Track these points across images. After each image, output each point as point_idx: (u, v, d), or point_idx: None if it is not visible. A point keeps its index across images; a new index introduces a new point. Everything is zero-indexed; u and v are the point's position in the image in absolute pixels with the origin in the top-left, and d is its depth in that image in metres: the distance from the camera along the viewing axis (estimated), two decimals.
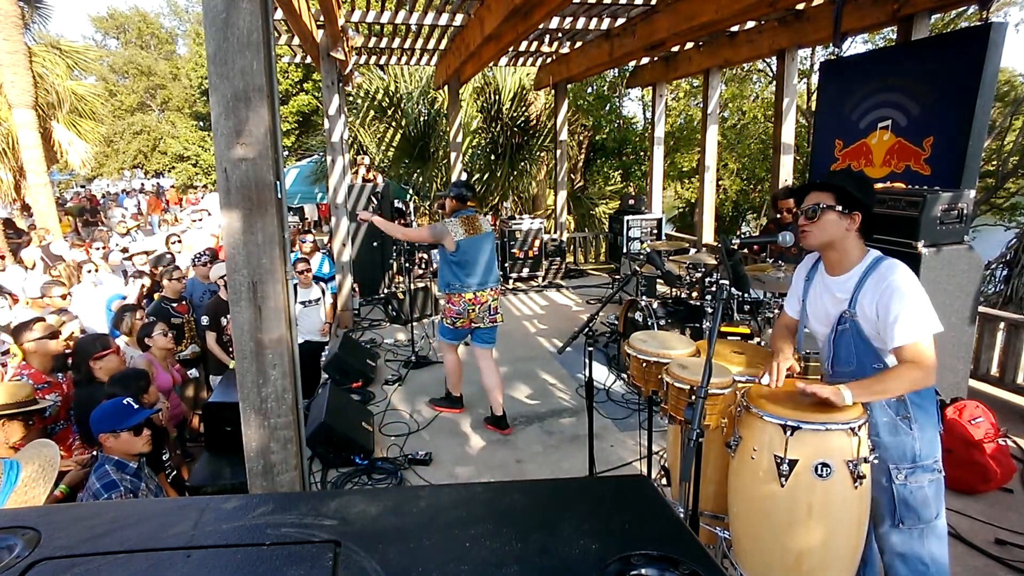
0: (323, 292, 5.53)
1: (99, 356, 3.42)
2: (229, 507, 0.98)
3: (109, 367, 3.43)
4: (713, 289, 4.14)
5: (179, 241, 7.47)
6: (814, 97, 11.49)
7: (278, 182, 2.08)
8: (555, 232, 9.67)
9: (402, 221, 8.49)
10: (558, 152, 9.75)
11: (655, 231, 8.34)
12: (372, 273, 7.76)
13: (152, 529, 0.93)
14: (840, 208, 1.94)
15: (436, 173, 12.17)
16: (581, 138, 14.81)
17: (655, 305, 4.42)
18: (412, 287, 6.07)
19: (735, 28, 6.32)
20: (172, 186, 24.31)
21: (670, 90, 14.33)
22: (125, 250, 7.35)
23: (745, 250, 4.48)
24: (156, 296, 5.07)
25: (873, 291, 1.91)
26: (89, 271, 5.45)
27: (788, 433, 1.93)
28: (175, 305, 4.86)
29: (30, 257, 7.18)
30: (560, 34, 7.44)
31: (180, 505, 1.12)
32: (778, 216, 4.64)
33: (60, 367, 3.62)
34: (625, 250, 8.18)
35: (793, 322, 2.27)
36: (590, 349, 2.82)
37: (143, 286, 5.31)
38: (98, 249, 6.54)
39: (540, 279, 8.68)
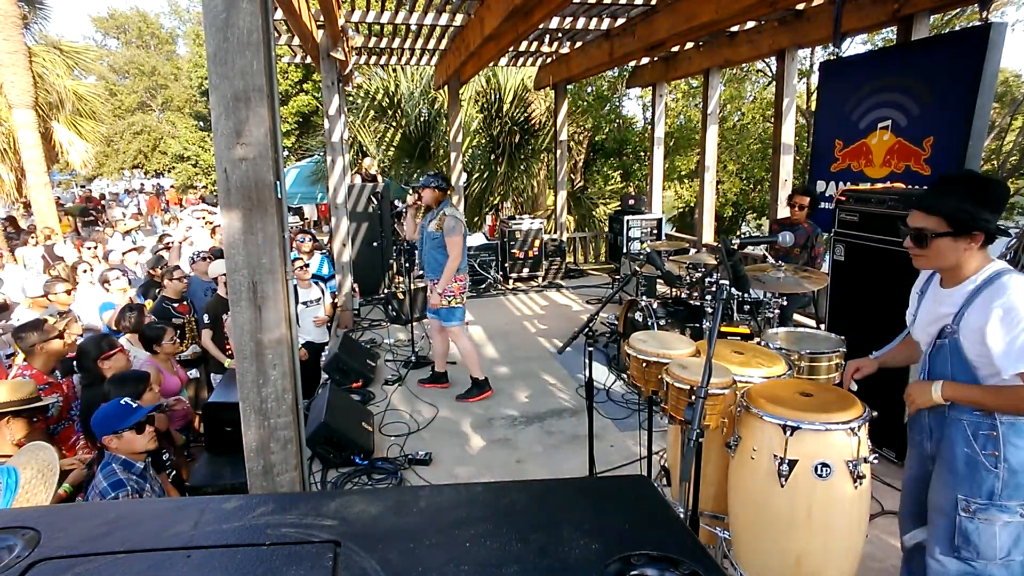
0: (323, 292, 5.52)
1: (107, 356, 3.43)
2: (229, 507, 0.98)
3: (118, 366, 3.43)
4: (713, 289, 4.14)
5: (168, 248, 7.47)
6: (814, 97, 11.49)
7: (278, 182, 2.08)
8: (555, 232, 9.67)
9: (402, 221, 8.51)
10: (558, 152, 9.74)
11: (655, 231, 8.34)
12: (372, 273, 7.76)
13: (152, 529, 0.93)
14: (954, 233, 1.76)
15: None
16: (581, 138, 14.80)
17: (655, 305, 4.42)
18: (412, 287, 6.07)
19: (735, 28, 6.32)
20: (172, 186, 24.32)
21: (670, 90, 14.32)
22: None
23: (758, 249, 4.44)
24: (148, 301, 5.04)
25: (982, 311, 1.73)
26: (85, 271, 5.43)
27: (788, 433, 1.93)
28: (176, 305, 4.86)
29: (23, 255, 7.18)
30: (560, 34, 7.44)
31: (180, 505, 1.12)
32: (792, 208, 4.58)
33: (66, 370, 3.62)
34: (625, 250, 8.17)
35: (913, 341, 2.13)
36: (590, 349, 2.82)
37: (130, 298, 5.22)
38: (89, 249, 6.54)
39: (540, 279, 8.68)
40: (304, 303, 5.27)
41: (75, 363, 3.57)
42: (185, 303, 4.94)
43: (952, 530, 1.85)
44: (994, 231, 1.76)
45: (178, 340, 4.16)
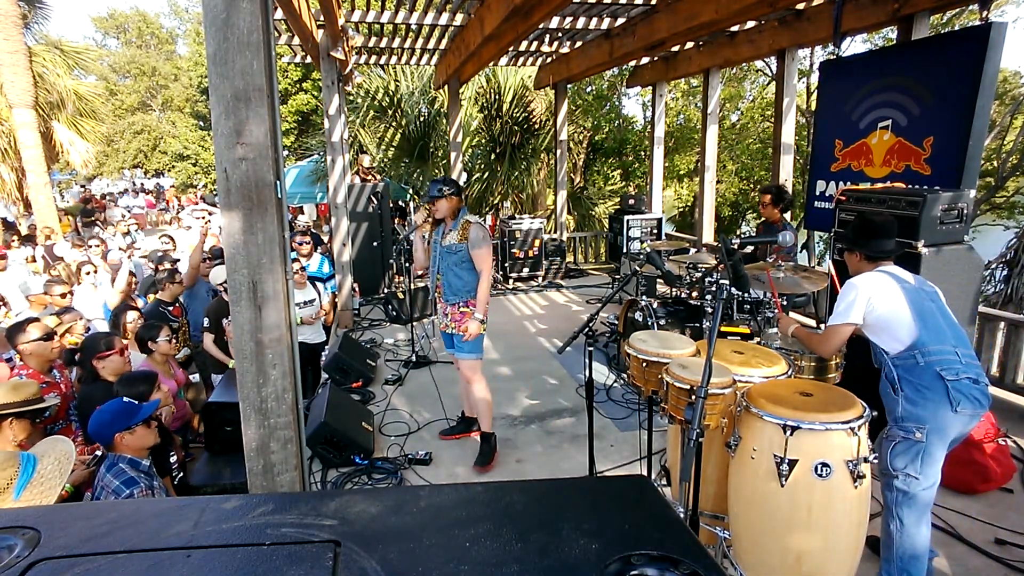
0: (319, 292, 5.47)
1: (102, 356, 3.43)
2: (229, 507, 0.98)
3: (112, 367, 3.43)
4: (713, 289, 4.13)
5: (171, 241, 7.48)
6: (814, 97, 11.49)
7: (278, 182, 2.08)
8: (555, 232, 9.67)
9: (402, 221, 8.51)
10: (558, 152, 9.74)
11: (655, 231, 8.34)
12: (372, 273, 7.76)
13: (152, 529, 0.92)
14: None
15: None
16: (581, 138, 14.79)
17: (655, 305, 4.41)
18: (412, 287, 6.06)
19: (735, 28, 6.32)
20: (172, 186, 24.32)
21: (669, 90, 14.32)
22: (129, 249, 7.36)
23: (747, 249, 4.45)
24: (149, 298, 5.05)
25: None
26: (88, 272, 5.43)
27: (788, 433, 1.93)
28: (171, 308, 4.84)
29: (9, 256, 7.17)
30: (560, 34, 7.44)
31: (180, 505, 1.12)
32: (762, 208, 4.59)
33: (68, 361, 3.64)
34: (625, 250, 8.17)
35: None
36: (590, 349, 2.82)
37: (129, 283, 5.25)
38: (93, 246, 6.56)
39: (540, 279, 8.68)
40: (298, 304, 5.25)
41: (78, 356, 3.59)
42: (178, 306, 4.92)
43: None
44: (852, 246, 2.58)
45: (176, 339, 4.16)
